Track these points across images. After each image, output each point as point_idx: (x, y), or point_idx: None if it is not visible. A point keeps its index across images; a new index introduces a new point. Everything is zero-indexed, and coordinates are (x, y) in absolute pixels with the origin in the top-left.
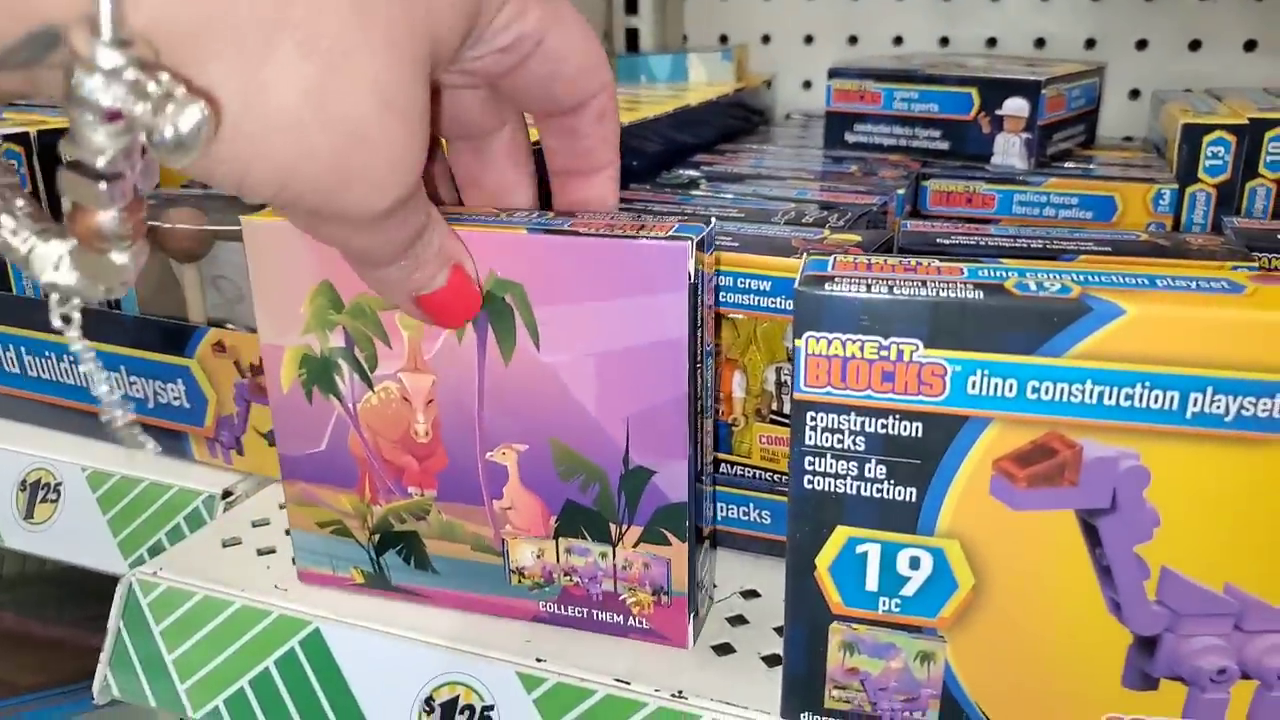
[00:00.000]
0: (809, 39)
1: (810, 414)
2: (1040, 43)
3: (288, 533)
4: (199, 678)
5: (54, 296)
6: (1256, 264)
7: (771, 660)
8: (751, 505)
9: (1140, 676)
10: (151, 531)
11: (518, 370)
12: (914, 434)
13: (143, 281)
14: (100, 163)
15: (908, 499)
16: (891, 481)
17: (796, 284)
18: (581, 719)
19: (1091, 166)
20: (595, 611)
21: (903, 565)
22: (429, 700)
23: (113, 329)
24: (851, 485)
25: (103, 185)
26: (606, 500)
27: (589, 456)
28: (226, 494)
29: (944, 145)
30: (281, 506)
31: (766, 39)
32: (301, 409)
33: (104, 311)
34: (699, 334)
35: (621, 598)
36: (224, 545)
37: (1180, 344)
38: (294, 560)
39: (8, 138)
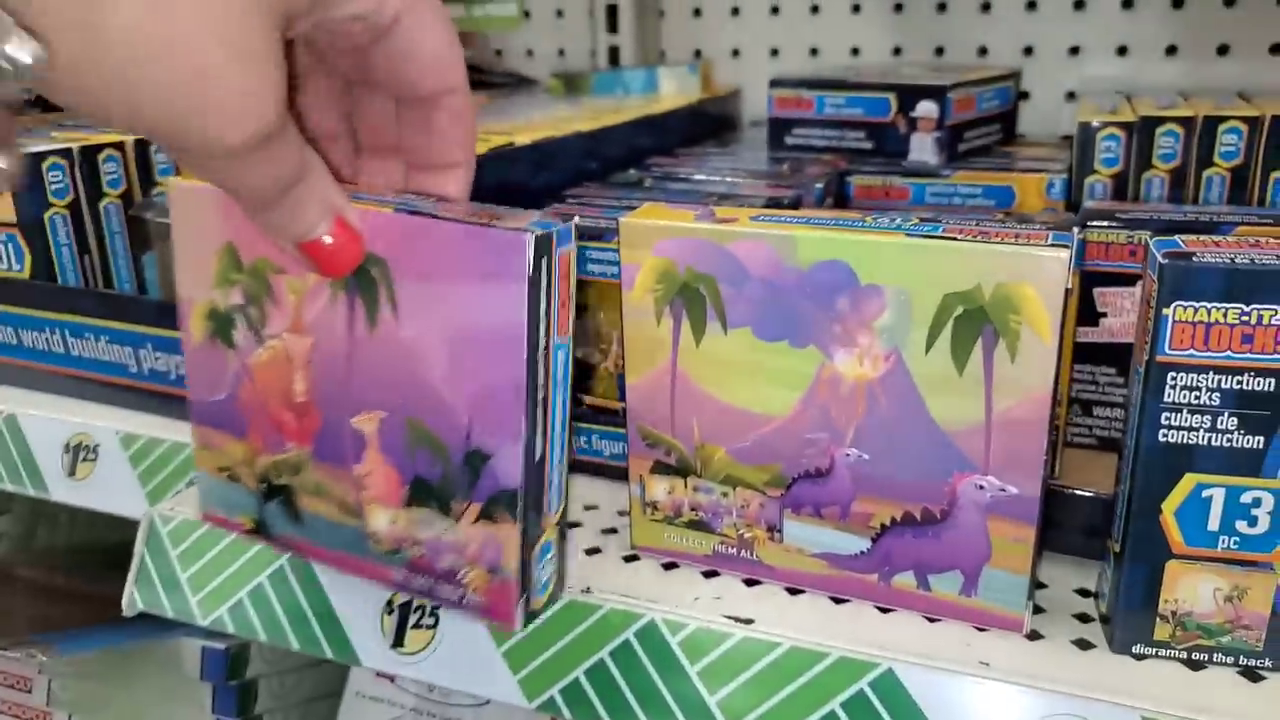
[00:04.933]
0: (775, 52)
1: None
2: (984, 50)
3: None
4: (207, 592)
5: None
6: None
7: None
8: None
9: None
10: (173, 483)
11: (380, 342)
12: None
13: (166, 273)
14: None
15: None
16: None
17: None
18: None
19: (1003, 161)
20: (438, 584)
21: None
22: (389, 602)
23: (140, 312)
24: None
25: None
26: (449, 476)
27: (436, 432)
28: None
29: (868, 145)
30: None
31: (736, 53)
32: (207, 358)
33: (133, 297)
34: (543, 325)
35: (459, 573)
36: None
37: None
38: (199, 504)
39: (54, 153)
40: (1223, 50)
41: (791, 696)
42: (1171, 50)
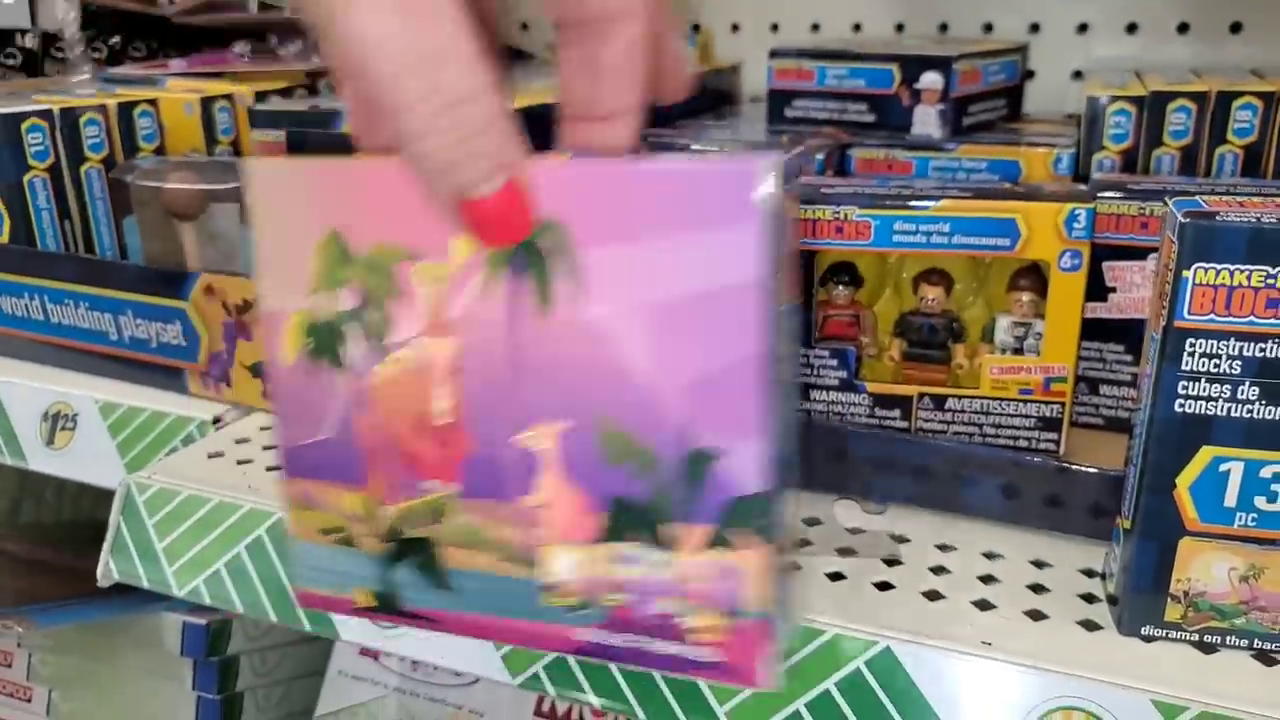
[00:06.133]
0: (775, 27)
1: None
2: (989, 26)
3: (269, 466)
4: (183, 562)
5: None
6: (1089, 205)
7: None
8: None
9: None
10: (152, 453)
11: (557, 330)
12: None
13: (147, 239)
14: None
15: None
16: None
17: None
18: None
19: (1008, 135)
20: (648, 639)
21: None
22: None
23: (120, 276)
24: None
25: None
26: (663, 492)
27: (640, 436)
28: (216, 420)
29: (870, 118)
30: (263, 429)
31: (736, 28)
32: (305, 388)
33: (112, 262)
34: (774, 280)
35: (682, 621)
36: (209, 457)
37: None
38: (291, 580)
39: (35, 114)
40: (1235, 28)
41: (784, 676)
42: (1183, 28)
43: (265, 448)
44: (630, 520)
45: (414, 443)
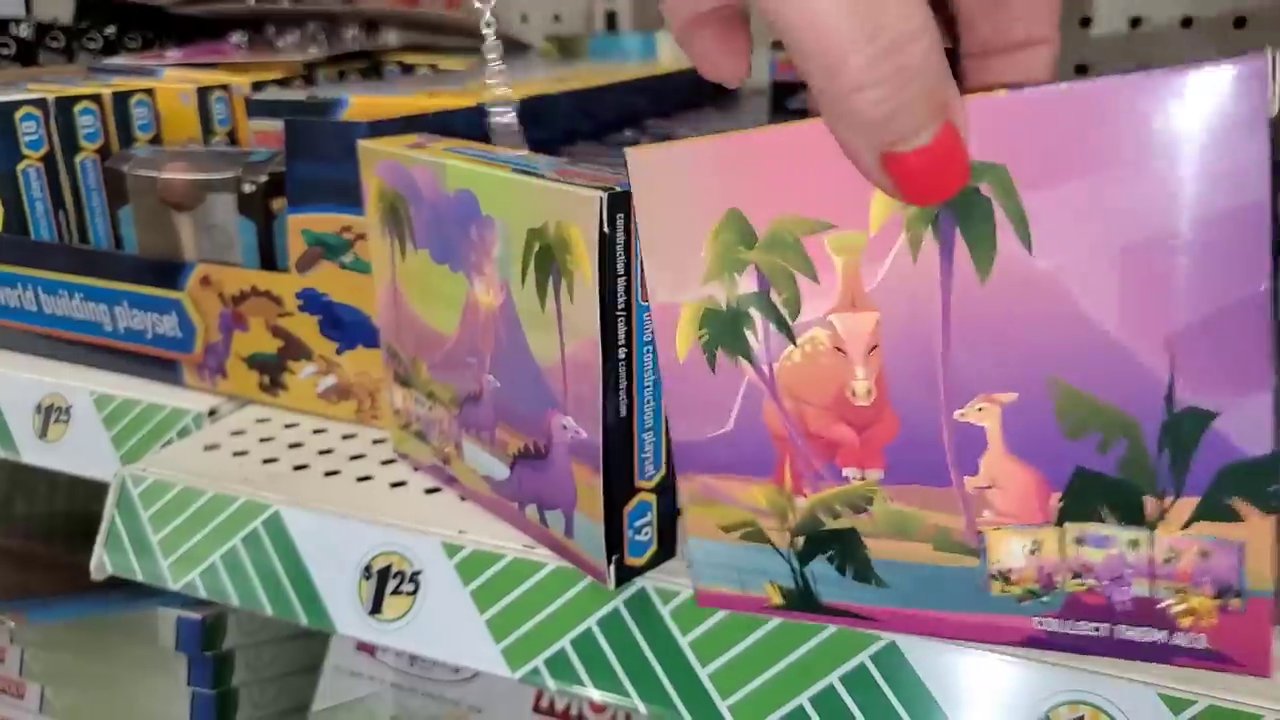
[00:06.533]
0: None
1: None
2: None
3: (265, 458)
4: (179, 555)
5: None
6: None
7: None
8: None
9: None
10: (147, 446)
11: (1000, 288)
12: None
13: (143, 229)
14: None
15: None
16: None
17: None
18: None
19: None
20: (1120, 627)
21: None
22: (367, 568)
23: (115, 267)
24: None
25: None
26: (1139, 462)
27: (1111, 400)
28: (212, 412)
29: None
30: (259, 421)
31: None
32: (702, 381)
33: (107, 253)
34: (1276, 203)
35: (1163, 604)
36: (205, 449)
37: None
38: (691, 579)
39: (28, 103)
40: (1239, 23)
41: (788, 670)
42: (1187, 22)
43: (262, 440)
44: (1098, 496)
45: (831, 428)
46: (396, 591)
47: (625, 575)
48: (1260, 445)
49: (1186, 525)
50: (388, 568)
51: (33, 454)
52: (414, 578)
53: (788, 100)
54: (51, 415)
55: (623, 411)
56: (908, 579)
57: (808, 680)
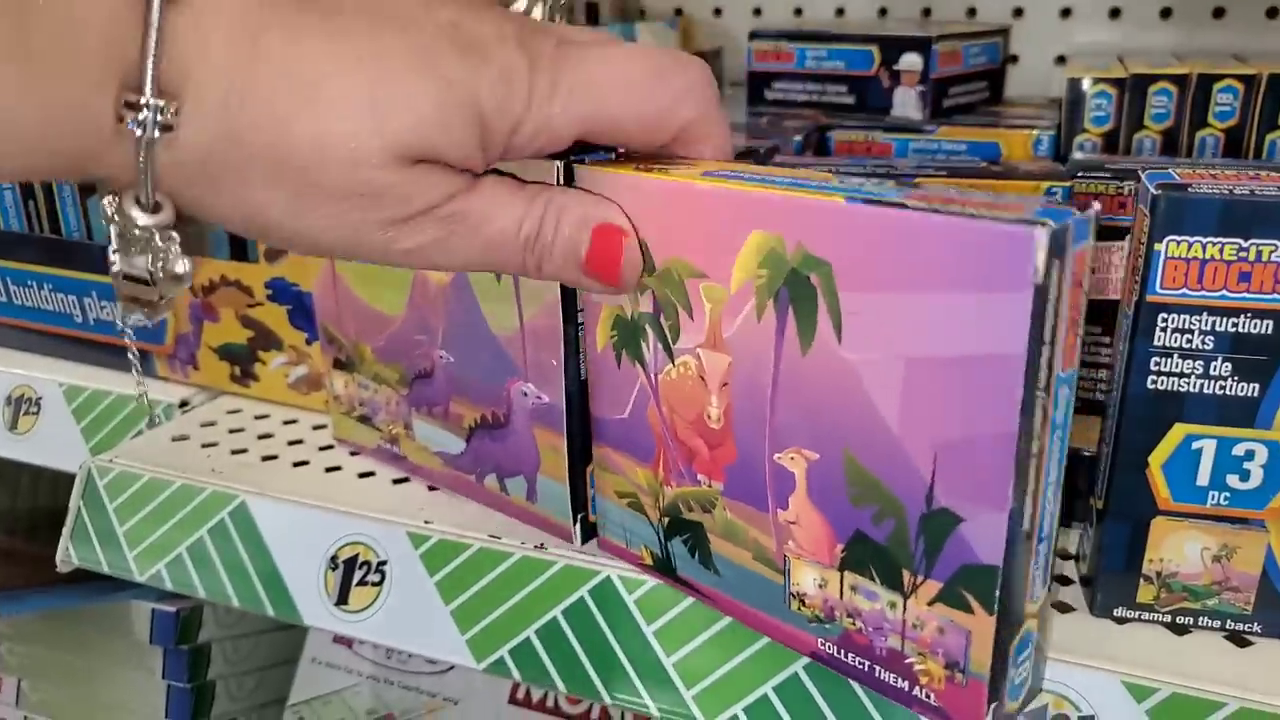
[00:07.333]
0: (757, 11)
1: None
2: (972, 11)
3: (234, 449)
4: (144, 546)
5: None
6: (1066, 183)
7: None
8: None
9: None
10: (118, 437)
11: (816, 364)
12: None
13: None
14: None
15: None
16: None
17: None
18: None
19: (989, 118)
20: (877, 668)
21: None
22: (334, 558)
23: (86, 258)
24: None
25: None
26: (901, 540)
27: (886, 483)
28: (183, 404)
29: (850, 100)
30: (230, 412)
31: (718, 12)
32: (611, 371)
33: (78, 243)
34: (1045, 355)
35: (908, 660)
36: (173, 440)
37: None
38: (596, 527)
39: None
40: (1218, 13)
41: (753, 658)
42: (1166, 13)
43: (231, 430)
44: (870, 558)
45: (691, 439)
46: (363, 582)
47: (589, 533)
48: (993, 556)
49: (931, 603)
50: (354, 558)
51: (3, 446)
52: (380, 568)
53: (765, 90)
54: (21, 407)
55: (583, 374)
56: (736, 575)
57: (774, 668)
